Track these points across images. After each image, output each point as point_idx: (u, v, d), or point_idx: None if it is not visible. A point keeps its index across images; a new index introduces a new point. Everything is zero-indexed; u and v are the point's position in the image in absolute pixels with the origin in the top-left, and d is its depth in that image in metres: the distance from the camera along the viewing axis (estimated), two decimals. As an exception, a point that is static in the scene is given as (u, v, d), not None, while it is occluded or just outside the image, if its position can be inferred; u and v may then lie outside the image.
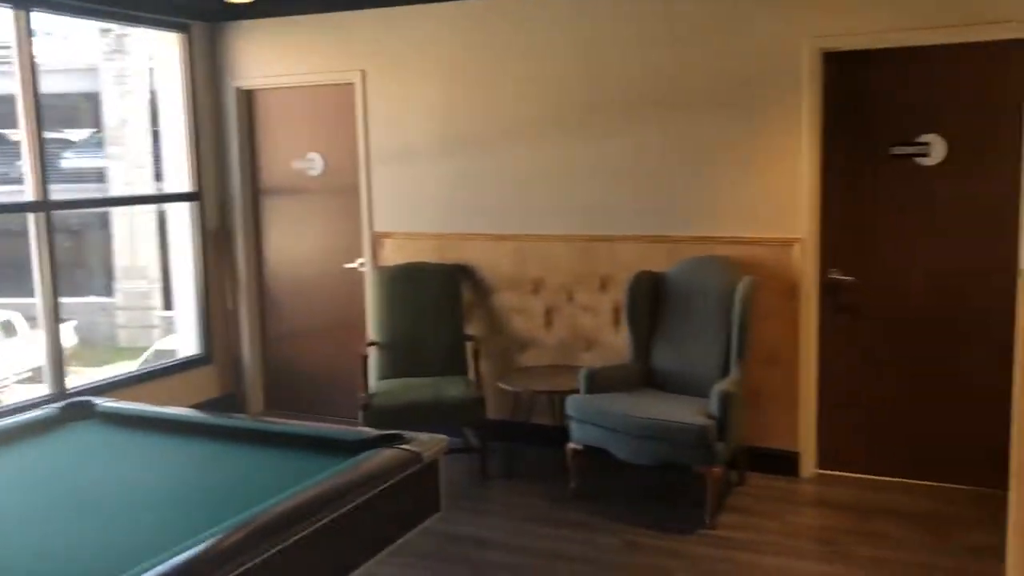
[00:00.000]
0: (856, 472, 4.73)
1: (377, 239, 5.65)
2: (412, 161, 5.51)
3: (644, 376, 4.72)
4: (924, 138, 4.42)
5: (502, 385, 4.90)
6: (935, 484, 4.54)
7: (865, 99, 4.55)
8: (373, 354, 5.20)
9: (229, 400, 6.11)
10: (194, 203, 5.94)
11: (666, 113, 4.86)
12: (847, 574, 3.68)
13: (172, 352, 6.56)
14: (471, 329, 5.36)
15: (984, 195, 4.32)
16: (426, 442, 2.78)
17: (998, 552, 3.63)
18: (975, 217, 4.36)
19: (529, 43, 5.14)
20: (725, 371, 4.43)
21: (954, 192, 4.40)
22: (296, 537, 2.16)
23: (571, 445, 4.49)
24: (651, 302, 4.78)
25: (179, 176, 5.95)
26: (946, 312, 4.47)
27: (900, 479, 4.62)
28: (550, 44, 5.09)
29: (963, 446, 4.47)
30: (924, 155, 4.43)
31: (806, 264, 4.62)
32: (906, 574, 3.66)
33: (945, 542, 3.94)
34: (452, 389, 4.82)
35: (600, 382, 4.51)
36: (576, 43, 5.03)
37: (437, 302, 5.24)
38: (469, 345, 5.20)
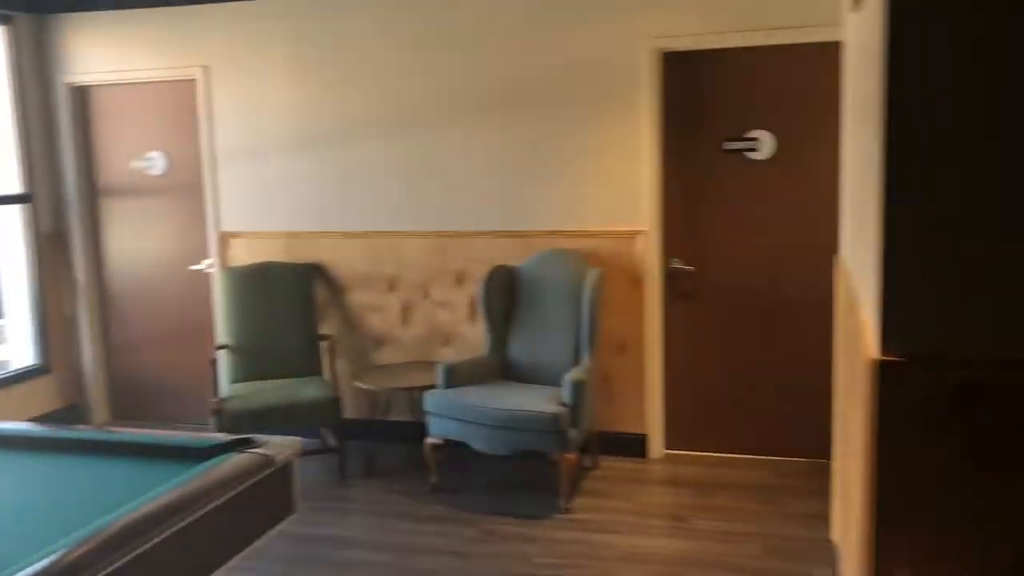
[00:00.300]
0: (702, 450, 4.99)
1: (225, 239, 5.51)
2: (261, 158, 5.40)
3: (500, 368, 4.82)
4: (754, 134, 4.70)
5: (359, 384, 4.89)
6: (773, 458, 4.85)
7: (701, 97, 4.79)
8: (225, 358, 5.08)
9: (72, 412, 5.81)
10: (25, 205, 5.61)
11: (515, 110, 4.97)
12: (693, 547, 3.89)
13: (4, 363, 6.17)
14: (326, 328, 5.31)
15: (810, 186, 4.64)
16: (278, 445, 2.76)
17: (827, 518, 3.93)
18: (802, 207, 4.67)
19: (380, 40, 5.13)
20: (577, 360, 4.58)
21: (783, 184, 4.70)
22: (145, 547, 2.12)
23: (430, 440, 4.53)
24: (506, 296, 4.88)
25: (6, 177, 5.60)
26: (777, 296, 4.78)
27: (741, 455, 4.91)
28: (401, 41, 5.11)
29: (796, 420, 4.79)
30: (754, 150, 4.72)
31: (649, 255, 4.84)
32: (746, 543, 3.91)
33: (781, 511, 4.22)
34: (307, 390, 4.77)
35: (457, 376, 4.57)
36: (428, 41, 5.06)
37: (290, 302, 5.17)
38: (324, 345, 5.15)
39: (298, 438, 2.86)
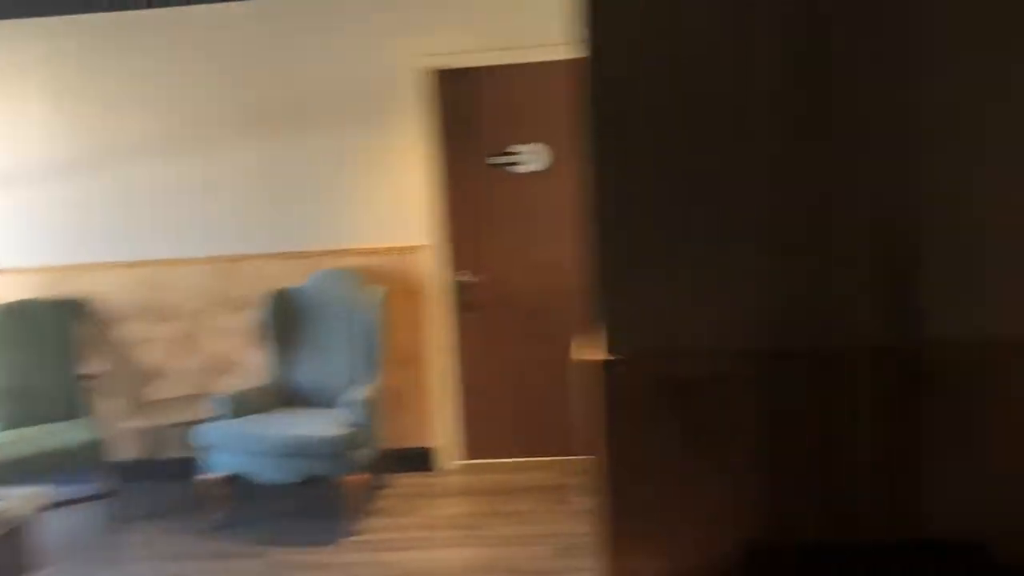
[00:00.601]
0: (497, 457, 5.06)
1: (-24, 278, 5.07)
2: (18, 188, 5.01)
3: (285, 394, 4.70)
4: (526, 147, 4.84)
5: (131, 423, 4.63)
6: (564, 458, 4.99)
7: (477, 113, 4.87)
8: (-20, 407, 4.66)
9: None
10: None
11: (289, 129, 4.87)
12: (485, 554, 3.94)
13: None
14: (95, 367, 4.98)
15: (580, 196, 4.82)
16: (16, 499, 2.56)
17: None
18: (575, 216, 4.84)
19: (142, 60, 4.89)
20: (363, 380, 4.54)
21: (557, 195, 4.86)
22: None
23: (210, 475, 4.35)
24: (288, 319, 4.77)
25: None
26: (558, 302, 4.93)
27: (534, 458, 5.02)
28: (164, 61, 4.89)
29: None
30: (517, 164, 4.85)
31: (433, 268, 4.87)
32: (537, 544, 4.00)
33: (571, 510, 4.35)
34: (72, 434, 4.43)
35: (239, 406, 4.42)
36: (194, 60, 4.88)
37: (52, 341, 4.81)
38: (92, 384, 4.83)
39: (42, 488, 2.67)
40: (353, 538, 4.16)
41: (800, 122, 1.99)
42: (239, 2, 4.79)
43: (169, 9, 4.82)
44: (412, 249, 4.86)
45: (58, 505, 4.31)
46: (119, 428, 4.82)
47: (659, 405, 2.09)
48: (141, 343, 5.04)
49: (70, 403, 4.75)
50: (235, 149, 4.90)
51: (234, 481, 4.37)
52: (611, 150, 2.08)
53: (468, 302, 4.97)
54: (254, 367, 4.95)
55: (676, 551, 2.09)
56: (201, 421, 4.45)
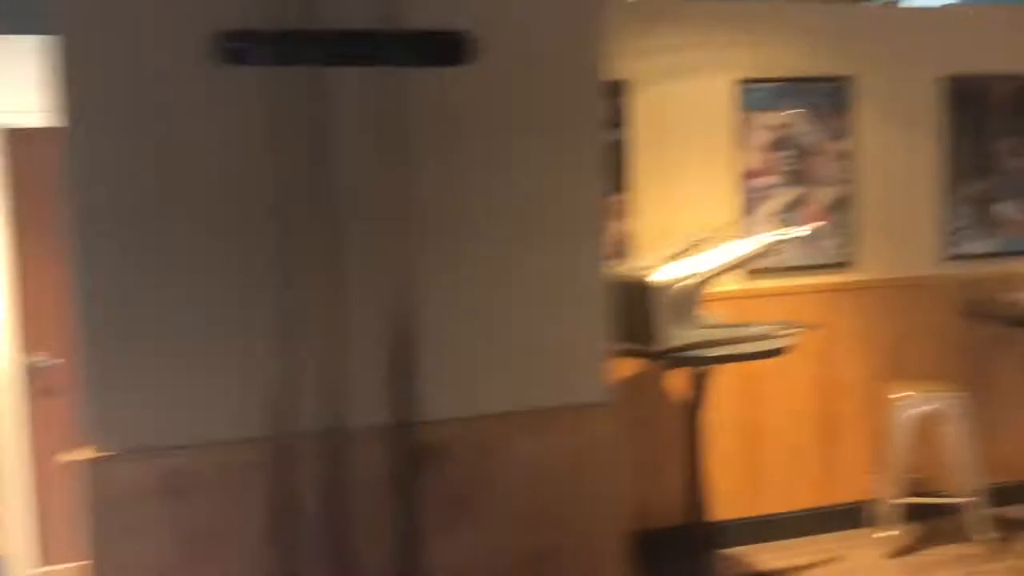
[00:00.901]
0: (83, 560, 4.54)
1: None
2: None
3: None
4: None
5: None
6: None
7: (52, 178, 4.45)
8: None
9: None
10: None
11: None
12: None
13: None
14: None
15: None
16: None
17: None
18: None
19: None
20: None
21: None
22: None
23: None
24: None
25: None
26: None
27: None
28: None
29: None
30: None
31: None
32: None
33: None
34: None
35: None
36: None
37: None
38: None
39: None
40: None
41: (300, 211, 1.98)
42: None
43: None
44: (-29, 330, 4.29)
45: None
46: None
47: (152, 503, 1.95)
48: None
49: None
50: None
51: None
52: (91, 238, 1.95)
53: (47, 387, 4.47)
54: None
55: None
56: None
